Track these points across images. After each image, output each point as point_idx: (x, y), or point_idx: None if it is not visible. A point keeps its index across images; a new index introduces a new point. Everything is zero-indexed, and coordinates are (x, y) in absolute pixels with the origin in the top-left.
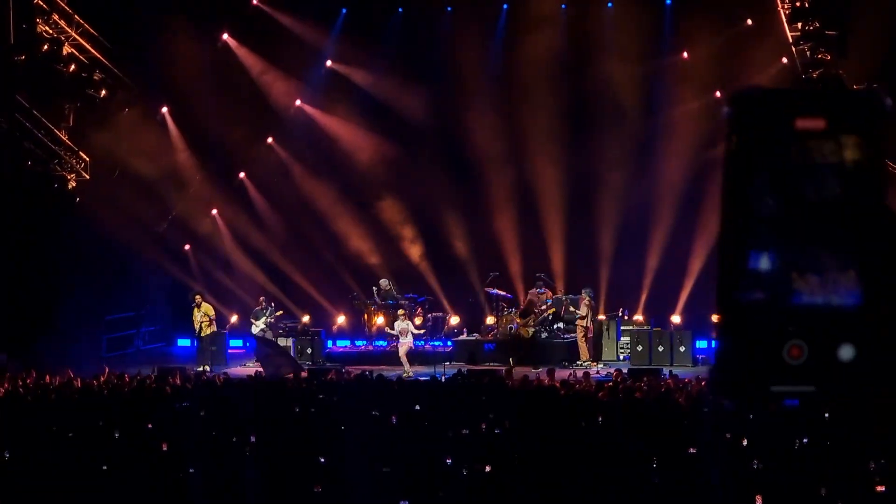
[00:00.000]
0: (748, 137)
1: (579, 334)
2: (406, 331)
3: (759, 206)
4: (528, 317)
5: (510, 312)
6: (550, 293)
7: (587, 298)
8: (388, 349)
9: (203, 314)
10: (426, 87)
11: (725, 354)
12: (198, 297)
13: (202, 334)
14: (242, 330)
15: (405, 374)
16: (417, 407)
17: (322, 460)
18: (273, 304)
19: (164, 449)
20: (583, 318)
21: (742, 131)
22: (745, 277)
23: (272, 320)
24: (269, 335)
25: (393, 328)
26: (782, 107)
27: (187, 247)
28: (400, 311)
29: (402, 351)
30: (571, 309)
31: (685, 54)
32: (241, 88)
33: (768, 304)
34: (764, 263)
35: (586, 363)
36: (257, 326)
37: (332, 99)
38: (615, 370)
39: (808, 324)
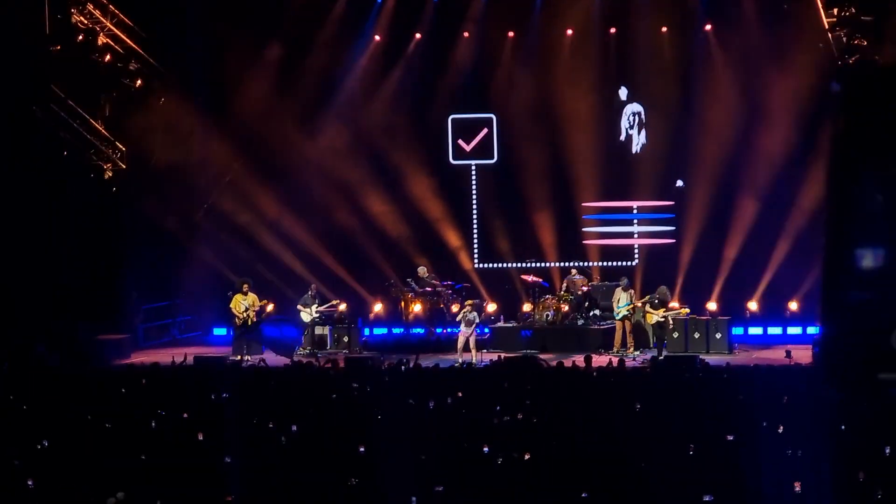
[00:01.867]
0: (858, 119)
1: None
2: (472, 321)
3: (867, 200)
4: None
5: (545, 299)
6: (587, 280)
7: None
8: (425, 336)
9: (251, 303)
10: (457, 67)
11: (831, 345)
12: (246, 285)
13: (250, 323)
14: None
15: (474, 362)
16: (459, 395)
17: (361, 449)
18: (317, 294)
19: (200, 438)
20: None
21: (851, 112)
22: (851, 275)
23: (323, 309)
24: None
25: (465, 317)
26: None
27: (223, 236)
28: (468, 302)
29: (472, 340)
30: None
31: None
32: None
33: (875, 302)
34: (870, 261)
35: (621, 351)
36: (307, 314)
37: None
38: (651, 357)
39: None
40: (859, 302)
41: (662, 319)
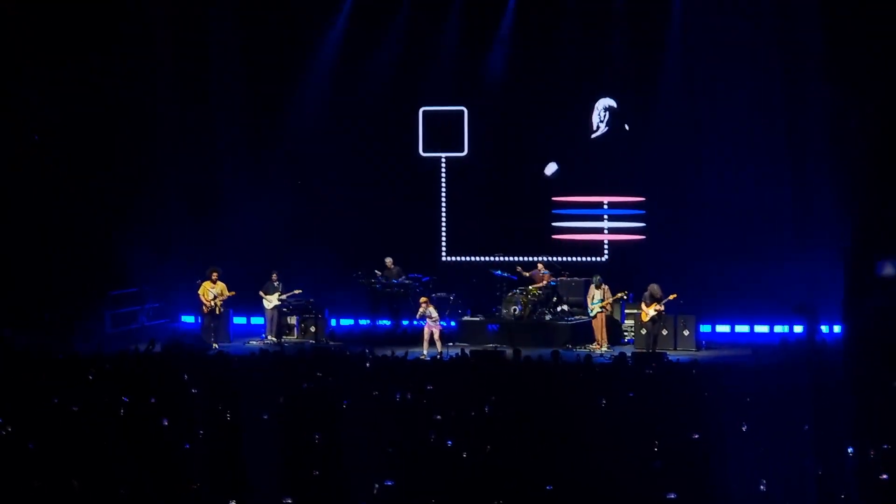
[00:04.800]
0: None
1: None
2: (431, 316)
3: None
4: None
5: (514, 293)
6: (554, 275)
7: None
8: (391, 328)
9: (220, 291)
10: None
11: (853, 353)
12: (215, 273)
13: (217, 311)
14: (247, 306)
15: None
16: (426, 387)
17: (323, 440)
18: (280, 282)
19: (165, 424)
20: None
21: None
22: (873, 283)
23: (284, 298)
24: (275, 311)
25: (428, 314)
26: None
27: (193, 223)
28: (422, 300)
29: (436, 333)
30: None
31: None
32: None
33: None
34: (890, 270)
35: (589, 347)
36: (270, 302)
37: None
38: (618, 353)
39: None
40: (879, 307)
41: (655, 314)
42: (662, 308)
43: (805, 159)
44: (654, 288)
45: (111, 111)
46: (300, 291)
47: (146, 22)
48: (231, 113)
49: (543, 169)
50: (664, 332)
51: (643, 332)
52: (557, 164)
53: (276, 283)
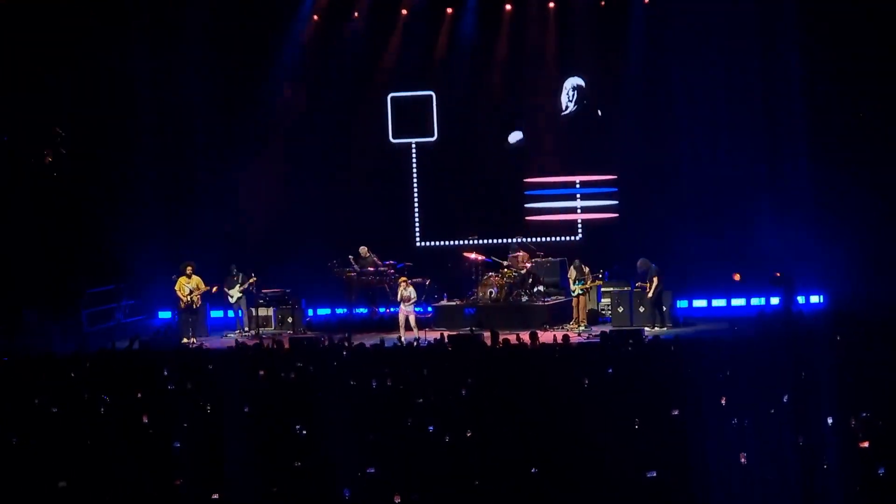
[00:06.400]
0: None
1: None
2: (409, 298)
3: None
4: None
5: (489, 277)
6: (529, 256)
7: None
8: (368, 315)
9: (196, 286)
10: (395, 45)
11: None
12: (189, 267)
13: (195, 306)
14: (224, 300)
15: (414, 340)
16: (405, 373)
17: (303, 431)
18: (240, 273)
19: (145, 421)
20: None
21: None
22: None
23: (245, 287)
24: (243, 303)
25: (397, 295)
26: None
27: (168, 218)
28: (402, 279)
29: (412, 318)
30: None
31: None
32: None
33: None
34: None
35: (567, 326)
36: (232, 297)
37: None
38: (601, 332)
39: None
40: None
41: (638, 289)
42: (646, 284)
43: (778, 132)
44: (646, 262)
45: (86, 110)
46: (254, 280)
47: (123, 17)
48: (204, 107)
49: (512, 144)
50: (641, 310)
51: (620, 310)
52: (529, 144)
53: (235, 277)
